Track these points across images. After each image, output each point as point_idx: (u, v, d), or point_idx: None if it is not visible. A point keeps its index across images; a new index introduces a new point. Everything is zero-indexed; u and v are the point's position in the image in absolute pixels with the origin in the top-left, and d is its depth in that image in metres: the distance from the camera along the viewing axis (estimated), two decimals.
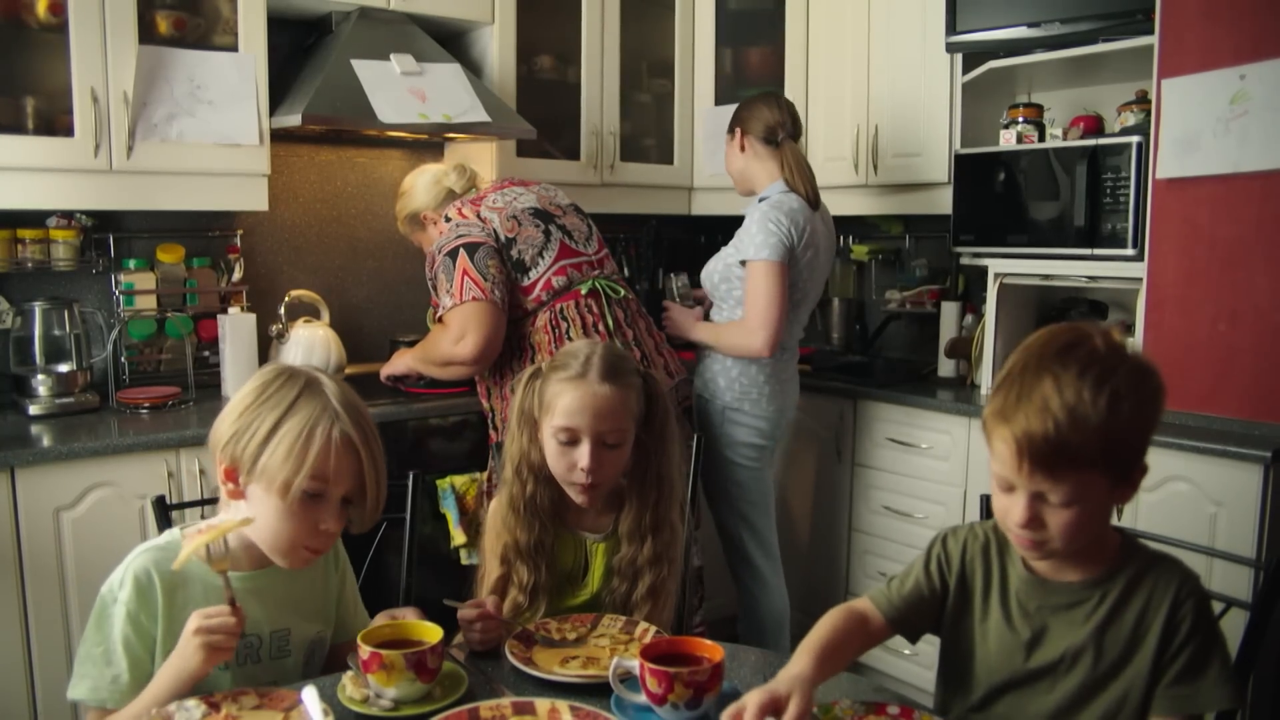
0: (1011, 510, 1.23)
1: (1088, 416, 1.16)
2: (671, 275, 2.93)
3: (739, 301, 2.71)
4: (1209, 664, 1.24)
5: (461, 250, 2.41)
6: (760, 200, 2.73)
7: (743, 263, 2.68)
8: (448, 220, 2.52)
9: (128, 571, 1.36)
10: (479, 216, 2.48)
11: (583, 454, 1.59)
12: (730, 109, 2.95)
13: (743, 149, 2.81)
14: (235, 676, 1.39)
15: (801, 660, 1.27)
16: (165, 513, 1.74)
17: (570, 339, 2.44)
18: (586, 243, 2.60)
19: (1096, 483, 1.20)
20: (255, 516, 1.37)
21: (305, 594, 1.50)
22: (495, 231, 2.46)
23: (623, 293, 2.58)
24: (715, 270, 2.78)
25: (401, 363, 2.78)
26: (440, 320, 2.48)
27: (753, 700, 1.16)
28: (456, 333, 2.40)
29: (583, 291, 2.50)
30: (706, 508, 2.89)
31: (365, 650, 1.28)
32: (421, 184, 2.71)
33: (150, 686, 1.29)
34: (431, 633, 1.35)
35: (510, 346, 2.47)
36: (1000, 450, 1.22)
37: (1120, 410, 1.17)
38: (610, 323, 2.50)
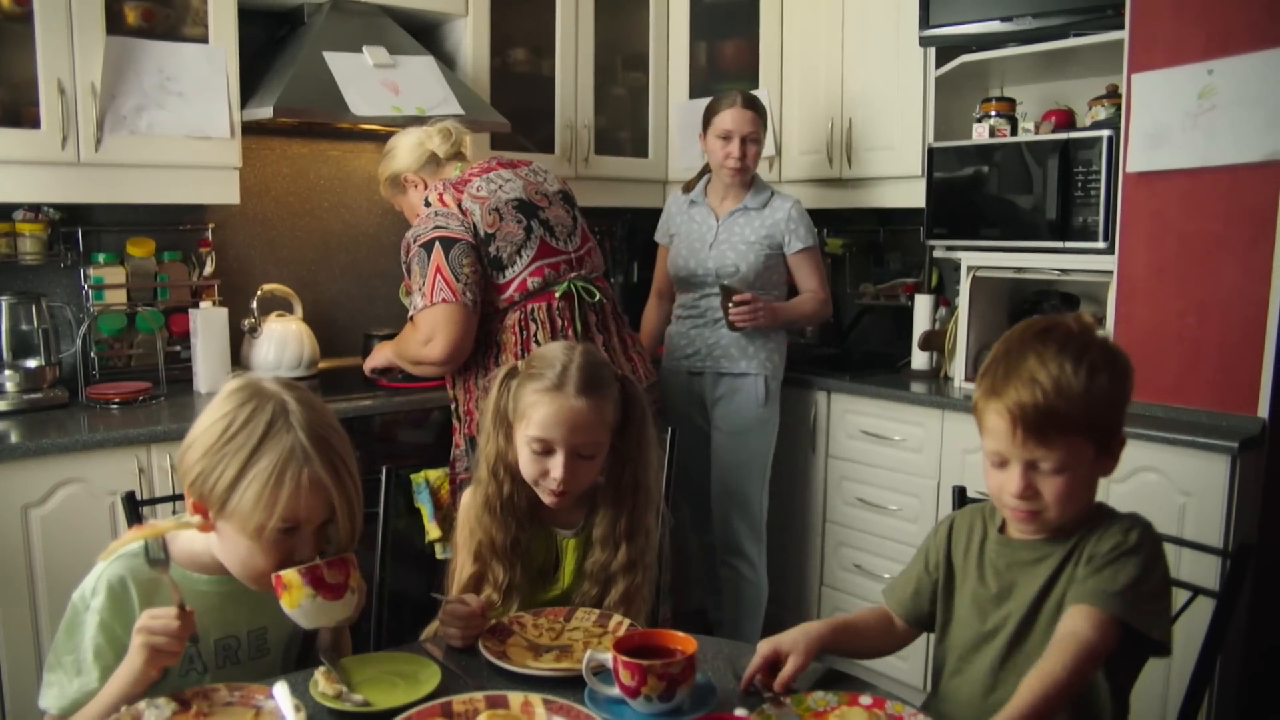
0: (1007, 484, 1.33)
1: (1071, 384, 1.28)
2: (725, 283, 2.92)
3: (775, 284, 3.03)
4: (1116, 573, 1.29)
5: (437, 244, 2.37)
6: (770, 194, 3.02)
7: (798, 251, 3.00)
8: (427, 205, 2.46)
9: (100, 579, 1.34)
10: (460, 207, 2.41)
11: (556, 464, 1.59)
12: (706, 102, 2.99)
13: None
14: (215, 679, 1.38)
15: (818, 623, 1.41)
16: (136, 509, 1.73)
17: (538, 342, 2.40)
18: (569, 238, 2.54)
19: (1083, 449, 1.30)
20: (227, 549, 1.35)
21: None
22: (475, 225, 2.40)
23: (598, 296, 2.53)
24: (754, 262, 2.96)
25: (382, 356, 2.76)
26: (412, 320, 2.45)
27: (759, 651, 1.34)
28: (425, 334, 2.37)
29: (557, 294, 2.45)
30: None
31: (272, 578, 1.29)
32: (404, 145, 2.61)
33: (102, 691, 1.26)
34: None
35: (476, 342, 2.44)
36: (994, 424, 1.32)
37: (1099, 380, 1.29)
38: (580, 327, 2.46)
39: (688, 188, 3.18)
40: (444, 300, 2.34)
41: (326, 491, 1.32)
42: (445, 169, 2.57)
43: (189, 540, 1.40)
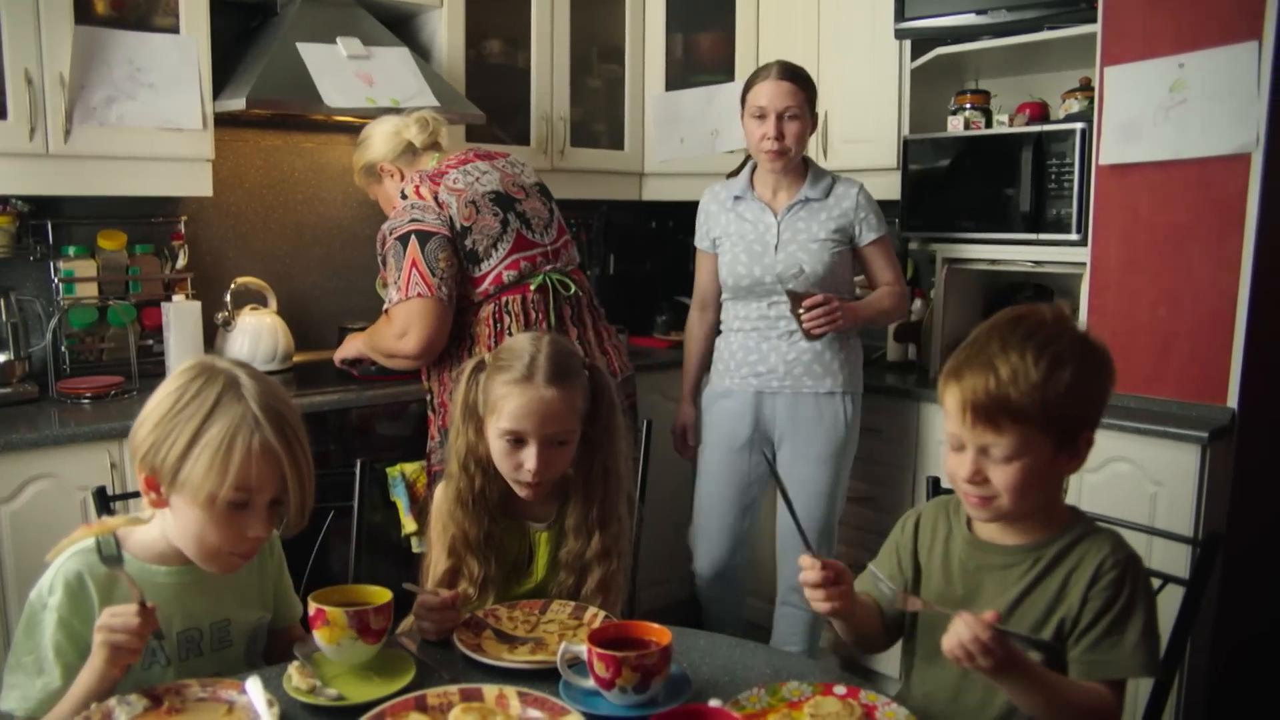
0: (959, 468, 1.33)
1: (1028, 374, 1.27)
2: (791, 276, 2.57)
3: (847, 282, 2.70)
4: (1125, 632, 1.29)
5: (413, 238, 2.35)
6: (832, 179, 2.67)
7: (872, 242, 2.66)
8: (404, 197, 2.44)
9: (57, 576, 1.32)
10: (437, 200, 2.40)
11: (529, 455, 1.58)
12: (682, 95, 2.96)
13: (814, 128, 2.70)
14: (178, 671, 1.37)
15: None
16: (107, 504, 1.71)
17: (511, 334, 2.38)
18: (545, 231, 2.53)
19: (1038, 441, 1.29)
20: (180, 525, 1.34)
21: (243, 582, 1.48)
22: (451, 219, 2.39)
23: (573, 289, 2.51)
24: (828, 261, 2.60)
25: (353, 347, 2.74)
26: (387, 313, 2.43)
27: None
28: (400, 328, 2.36)
29: (532, 287, 2.44)
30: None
31: (313, 607, 1.27)
32: (380, 134, 2.58)
33: (69, 692, 1.25)
34: (381, 595, 1.34)
35: (451, 334, 2.42)
36: (950, 405, 1.33)
37: (1061, 373, 1.28)
38: (554, 320, 2.45)
39: (730, 178, 2.81)
40: (419, 295, 2.33)
41: (278, 460, 1.32)
42: (421, 159, 2.56)
43: (144, 531, 1.39)
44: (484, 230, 2.42)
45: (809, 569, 1.34)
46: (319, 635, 1.29)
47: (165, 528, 1.37)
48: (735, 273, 2.66)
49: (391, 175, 2.58)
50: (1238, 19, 2.28)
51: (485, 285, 2.42)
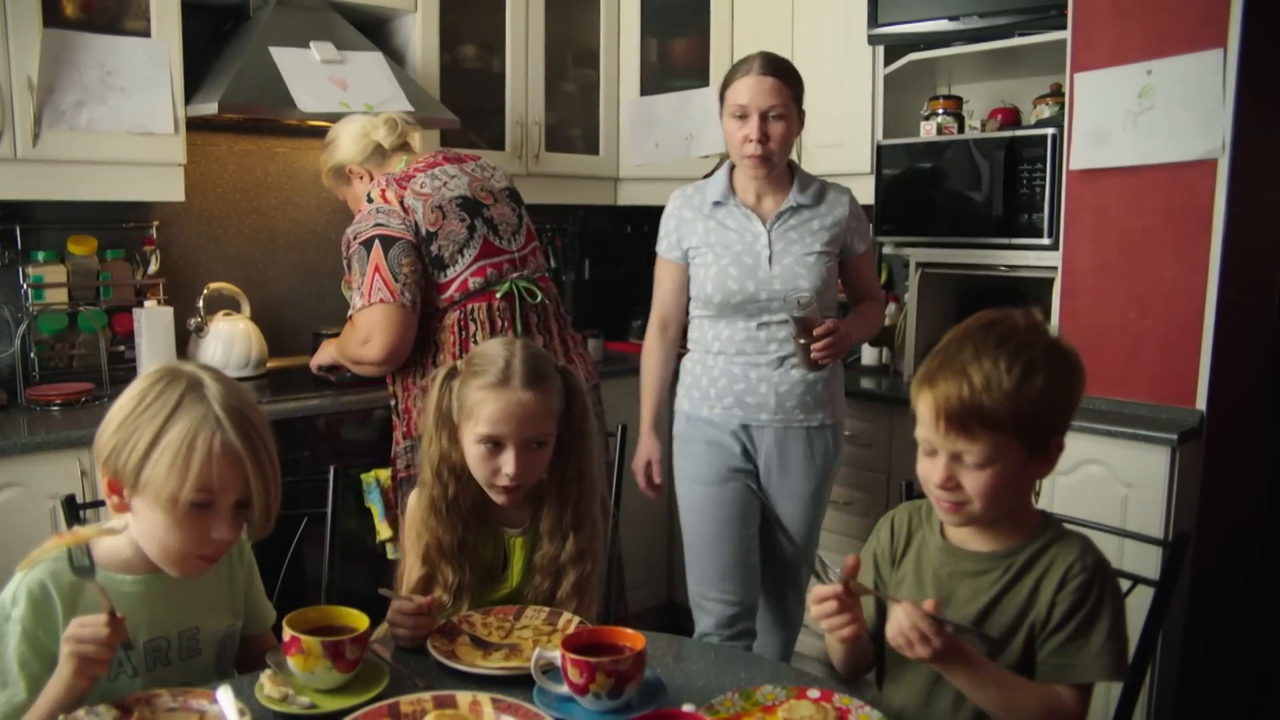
0: (932, 473, 1.33)
1: (1001, 382, 1.27)
2: (798, 300, 2.27)
3: (833, 297, 2.44)
4: (1091, 635, 1.30)
5: (377, 243, 2.32)
6: (820, 185, 2.43)
7: (862, 254, 2.48)
8: (370, 200, 2.40)
9: (20, 588, 1.31)
10: (403, 204, 2.37)
11: (508, 460, 1.58)
12: (657, 99, 2.94)
13: (801, 128, 2.42)
14: (146, 682, 1.36)
15: None
16: (76, 513, 1.70)
17: (476, 342, 2.36)
18: (513, 237, 2.50)
19: (1011, 448, 1.29)
20: (143, 529, 1.33)
21: (212, 589, 1.47)
22: (416, 224, 2.36)
23: (540, 297, 2.49)
24: (825, 276, 2.36)
25: (327, 353, 2.73)
26: (351, 320, 2.40)
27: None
28: (363, 334, 2.33)
29: (498, 294, 2.42)
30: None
31: (288, 633, 1.26)
32: (347, 135, 2.55)
33: (35, 705, 1.23)
34: (358, 621, 1.33)
35: (415, 340, 2.40)
36: (922, 412, 1.32)
37: (1034, 381, 1.28)
38: (520, 328, 2.43)
39: (705, 180, 2.52)
40: (381, 300, 2.30)
41: (241, 461, 1.31)
42: (390, 161, 2.53)
43: (110, 540, 1.38)
44: (450, 236, 2.39)
45: (828, 599, 1.32)
46: (292, 661, 1.28)
47: (131, 534, 1.36)
48: (725, 288, 2.35)
49: (360, 178, 2.55)
50: (1203, 27, 2.31)
51: (450, 292, 2.40)
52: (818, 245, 2.36)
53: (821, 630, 1.35)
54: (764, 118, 2.28)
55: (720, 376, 2.40)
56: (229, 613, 1.49)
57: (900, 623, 1.21)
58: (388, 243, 2.32)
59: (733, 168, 2.43)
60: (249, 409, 1.36)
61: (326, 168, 2.61)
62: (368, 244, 2.34)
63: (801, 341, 2.25)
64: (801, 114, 2.38)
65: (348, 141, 2.54)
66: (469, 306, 2.40)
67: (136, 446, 1.30)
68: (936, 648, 1.20)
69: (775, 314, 2.33)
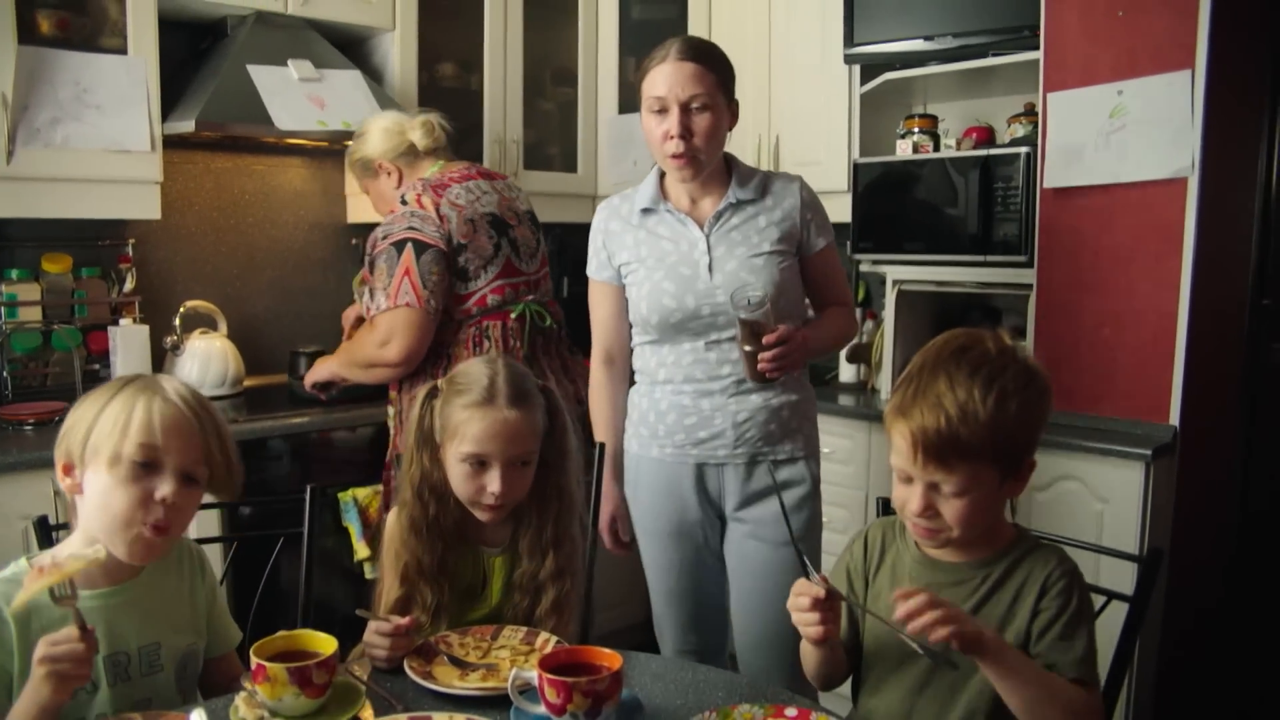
0: (909, 500, 1.33)
1: (977, 412, 1.27)
2: (747, 298, 1.91)
3: (796, 303, 2.10)
4: (1074, 639, 1.31)
5: (409, 246, 2.32)
6: (763, 176, 2.11)
7: (823, 249, 2.11)
8: (404, 203, 2.40)
9: None
10: (438, 212, 2.37)
11: (493, 479, 1.58)
12: (635, 118, 2.93)
13: (734, 121, 2.08)
14: (107, 696, 1.34)
15: None
16: (48, 533, 1.68)
17: None
18: (530, 259, 2.53)
19: (987, 474, 1.30)
20: (92, 504, 1.35)
21: (172, 605, 1.46)
22: (450, 233, 2.36)
23: (549, 321, 2.52)
24: (777, 279, 2.02)
25: (325, 369, 2.66)
26: (371, 320, 2.40)
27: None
28: (383, 335, 2.33)
29: (512, 315, 2.44)
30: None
31: (255, 661, 1.26)
32: (378, 128, 2.55)
33: None
34: (326, 645, 1.32)
35: (429, 350, 2.40)
36: (898, 443, 1.32)
37: (1008, 407, 1.28)
38: (527, 350, 2.46)
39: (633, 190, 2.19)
40: (407, 304, 2.31)
41: (184, 424, 1.35)
42: (421, 164, 2.54)
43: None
44: (478, 250, 2.41)
45: (807, 593, 1.32)
46: (261, 689, 1.27)
47: (84, 528, 1.37)
48: (661, 306, 2.02)
49: (389, 174, 2.55)
50: (1171, 49, 2.34)
51: (469, 305, 2.41)
52: (766, 245, 2.02)
53: (794, 622, 1.35)
54: (685, 110, 1.94)
55: (669, 410, 2.06)
56: (190, 630, 1.48)
57: (909, 605, 1.22)
58: (420, 248, 2.33)
59: (663, 172, 2.10)
60: (200, 398, 1.41)
61: (354, 158, 2.60)
62: (399, 245, 2.33)
63: (748, 348, 1.91)
64: (733, 105, 2.04)
65: (379, 135, 2.54)
66: (484, 324, 2.42)
67: (83, 420, 1.36)
68: (946, 612, 1.21)
69: (724, 330, 1.99)
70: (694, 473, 2.06)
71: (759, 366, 1.91)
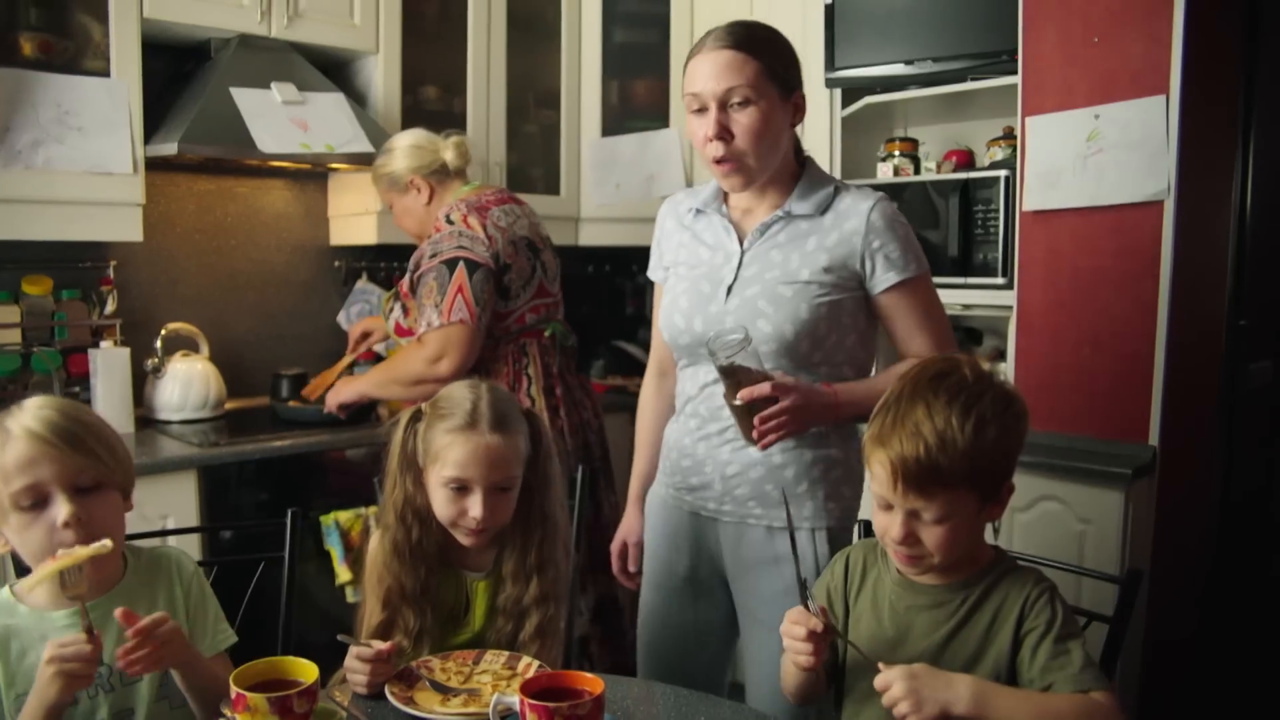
0: (890, 527, 1.33)
1: (956, 440, 1.28)
2: (723, 361, 1.61)
3: (842, 348, 1.75)
4: (1070, 652, 1.31)
5: (461, 265, 2.39)
6: (834, 189, 1.76)
7: (894, 286, 1.72)
8: (450, 223, 2.47)
9: None
10: (486, 233, 2.44)
11: (475, 503, 1.58)
12: (618, 140, 2.93)
13: (797, 117, 1.78)
14: (85, 709, 1.34)
15: None
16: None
17: (528, 375, 2.49)
18: (554, 281, 2.64)
19: (966, 499, 1.31)
20: (17, 548, 1.35)
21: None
22: (497, 254, 2.44)
23: (571, 340, 2.64)
24: (807, 319, 1.69)
25: (352, 390, 2.66)
26: (420, 338, 2.42)
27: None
28: (435, 352, 2.38)
29: (545, 333, 2.55)
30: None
31: (234, 690, 1.25)
32: (406, 144, 2.61)
33: None
34: (307, 672, 1.32)
35: None
36: (878, 472, 1.33)
37: (985, 434, 1.29)
38: (558, 367, 2.56)
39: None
40: (461, 321, 2.37)
41: (48, 450, 1.32)
42: (451, 183, 2.62)
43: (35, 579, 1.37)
44: (519, 271, 2.50)
45: (803, 623, 1.31)
46: (240, 718, 1.26)
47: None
48: (672, 324, 1.81)
49: (419, 190, 2.61)
50: (1146, 74, 2.37)
51: (509, 322, 2.49)
52: (805, 271, 1.69)
53: (785, 646, 1.35)
54: (724, 107, 1.67)
55: (674, 446, 1.86)
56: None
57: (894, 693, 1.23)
58: (472, 266, 2.39)
59: None
60: (53, 411, 1.37)
61: (381, 173, 2.65)
62: (450, 264, 2.39)
63: (736, 404, 1.63)
64: (794, 97, 1.73)
65: (410, 152, 2.61)
66: (522, 341, 2.51)
67: None
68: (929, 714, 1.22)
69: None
70: (689, 522, 1.84)
71: (753, 434, 1.63)
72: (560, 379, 2.57)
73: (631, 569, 2.00)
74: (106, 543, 1.29)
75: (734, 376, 1.61)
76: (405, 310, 2.57)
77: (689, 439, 1.82)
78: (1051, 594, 1.36)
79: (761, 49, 1.69)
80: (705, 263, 1.80)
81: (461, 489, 1.58)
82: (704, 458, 1.80)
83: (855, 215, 1.71)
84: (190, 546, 2.40)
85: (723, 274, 1.76)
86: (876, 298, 1.73)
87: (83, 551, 1.28)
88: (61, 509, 1.32)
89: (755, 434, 1.63)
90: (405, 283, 2.57)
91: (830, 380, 1.72)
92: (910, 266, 1.72)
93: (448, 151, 2.60)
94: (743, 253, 1.76)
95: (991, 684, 1.29)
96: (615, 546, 2.04)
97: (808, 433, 1.71)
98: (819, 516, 1.75)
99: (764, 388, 1.59)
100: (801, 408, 1.62)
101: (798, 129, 1.80)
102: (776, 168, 1.75)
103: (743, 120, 1.67)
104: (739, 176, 1.72)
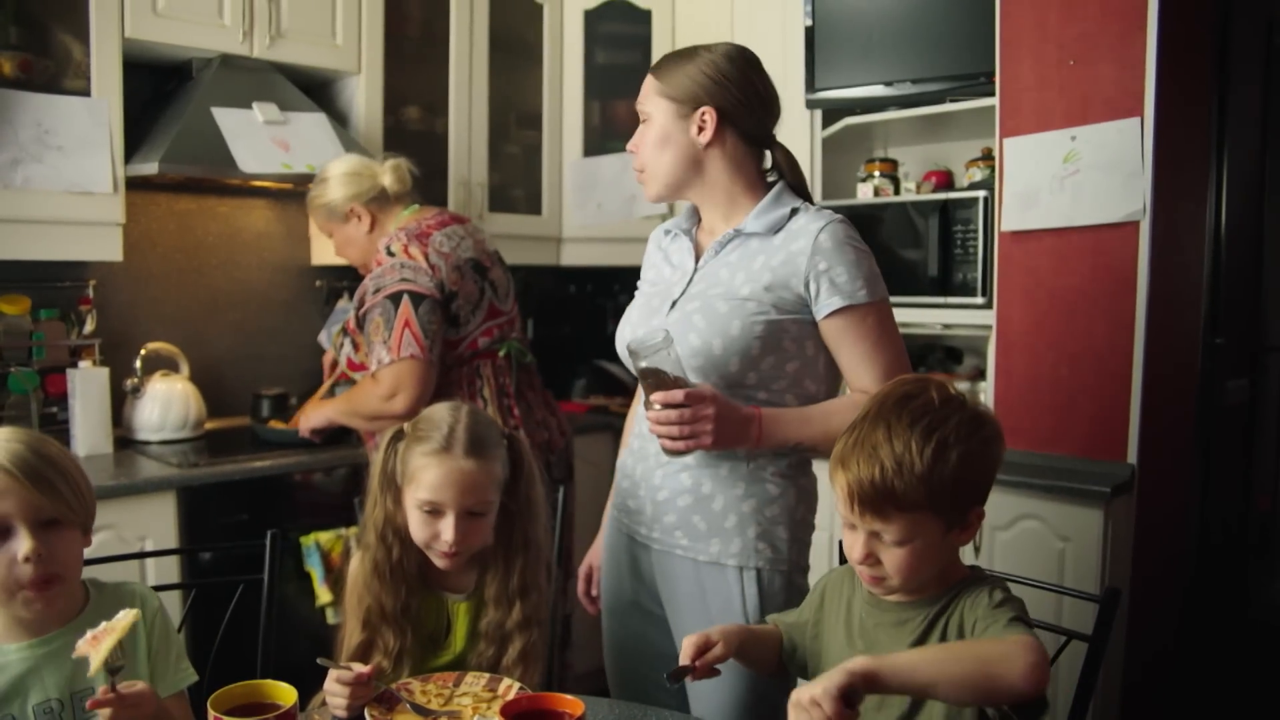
0: (853, 547, 1.33)
1: (914, 465, 1.26)
2: (644, 363, 1.56)
3: (786, 374, 1.67)
4: (1005, 610, 1.28)
5: (406, 298, 2.33)
6: (790, 211, 1.72)
7: (838, 312, 1.64)
8: (390, 254, 2.40)
9: None
10: (429, 261, 2.38)
11: (447, 526, 1.57)
12: (600, 161, 2.95)
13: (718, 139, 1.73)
14: None
15: (736, 624, 1.47)
16: None
17: (484, 398, 2.45)
18: (505, 299, 2.58)
19: (928, 524, 1.29)
20: None
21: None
22: (442, 283, 2.38)
23: (529, 357, 2.60)
24: (738, 336, 1.63)
25: (320, 416, 2.66)
26: (373, 375, 2.38)
27: (690, 640, 1.35)
28: (389, 389, 2.33)
29: (500, 354, 2.50)
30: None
31: (211, 714, 1.23)
32: (341, 172, 2.53)
33: None
34: (285, 695, 1.31)
35: None
36: (839, 492, 1.33)
37: (947, 458, 1.27)
38: (515, 388, 2.51)
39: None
40: (412, 356, 2.32)
41: (10, 483, 1.29)
42: (392, 208, 2.55)
43: None
44: (467, 296, 2.45)
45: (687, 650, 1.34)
46: None
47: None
48: (620, 336, 1.79)
49: (360, 218, 2.54)
50: (1122, 97, 2.41)
51: (461, 349, 2.45)
52: (746, 289, 1.64)
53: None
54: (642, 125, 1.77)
55: (620, 464, 1.85)
56: (126, 675, 1.44)
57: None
58: (417, 299, 2.35)
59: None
60: (17, 442, 1.34)
61: (318, 204, 2.58)
62: (395, 298, 2.34)
63: (654, 408, 1.57)
64: (701, 109, 1.69)
65: (347, 180, 2.53)
66: (476, 364, 2.47)
67: None
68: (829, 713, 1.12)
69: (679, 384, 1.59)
70: (628, 546, 1.80)
71: (651, 430, 1.58)
72: (519, 398, 2.51)
73: (594, 593, 1.97)
74: (135, 613, 1.28)
75: (652, 379, 1.56)
76: (355, 346, 2.52)
77: (631, 459, 1.80)
78: (1006, 592, 1.33)
79: (660, 68, 1.75)
80: (665, 280, 1.80)
81: (434, 512, 1.58)
82: (639, 480, 1.76)
83: (804, 235, 1.65)
84: (169, 568, 2.38)
85: (674, 290, 1.74)
86: (821, 323, 1.65)
87: (122, 626, 1.26)
88: (23, 543, 1.30)
89: (661, 436, 1.58)
90: (351, 320, 2.51)
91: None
92: (859, 293, 1.64)
93: (386, 176, 2.52)
94: (695, 270, 1.74)
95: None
96: (582, 570, 2.01)
97: (742, 466, 1.66)
98: (748, 555, 1.66)
99: (678, 394, 1.53)
100: (715, 418, 1.55)
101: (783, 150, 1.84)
102: (741, 188, 1.75)
103: (646, 135, 1.75)
104: (651, 189, 1.77)
